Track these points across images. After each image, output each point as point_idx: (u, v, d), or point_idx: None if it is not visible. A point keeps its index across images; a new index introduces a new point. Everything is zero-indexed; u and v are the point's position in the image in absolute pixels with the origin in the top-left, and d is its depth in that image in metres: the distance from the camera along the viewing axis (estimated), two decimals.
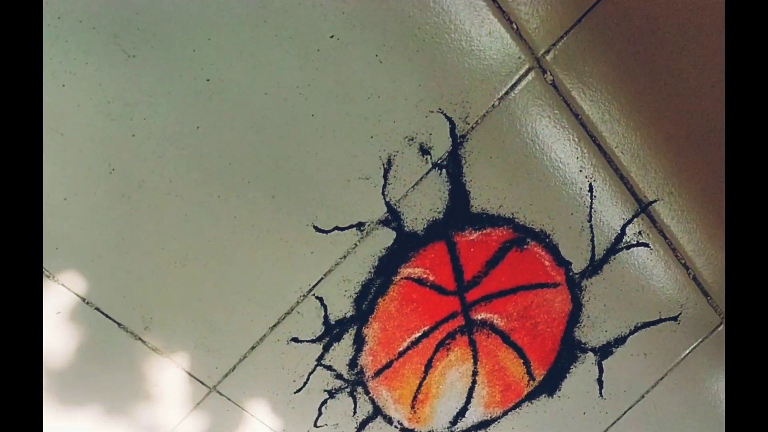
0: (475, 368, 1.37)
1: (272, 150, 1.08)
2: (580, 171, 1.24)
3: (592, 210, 1.28)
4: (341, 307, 1.24)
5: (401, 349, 1.31)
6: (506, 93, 1.15)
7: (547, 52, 1.14)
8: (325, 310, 1.23)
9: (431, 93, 1.11)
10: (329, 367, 1.28)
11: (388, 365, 1.32)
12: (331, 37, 1.04)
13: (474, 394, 1.40)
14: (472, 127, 1.15)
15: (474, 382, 1.39)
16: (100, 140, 1.02)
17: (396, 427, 1.39)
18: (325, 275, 1.20)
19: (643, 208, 1.31)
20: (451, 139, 1.15)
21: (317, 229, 1.16)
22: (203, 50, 1.00)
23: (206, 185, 1.08)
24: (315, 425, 1.33)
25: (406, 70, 1.08)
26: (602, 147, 1.23)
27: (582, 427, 1.50)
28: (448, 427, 1.42)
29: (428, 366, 1.34)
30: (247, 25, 1.00)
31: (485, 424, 1.44)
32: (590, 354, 1.43)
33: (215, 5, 0.98)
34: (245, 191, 1.10)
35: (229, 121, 1.05)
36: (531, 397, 1.44)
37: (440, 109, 1.13)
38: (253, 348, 1.22)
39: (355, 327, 1.26)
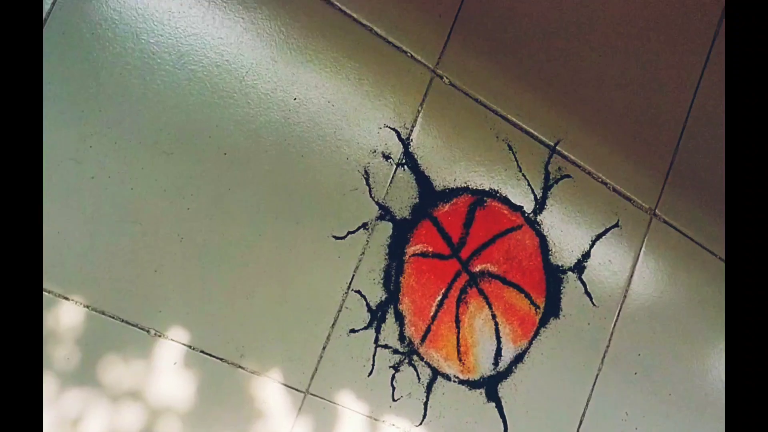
0: (492, 312, 1.75)
1: (286, 188, 1.51)
2: (497, 137, 1.72)
3: (519, 163, 1.74)
4: (376, 293, 1.62)
5: (432, 313, 1.68)
6: (423, 100, 1.63)
7: (438, 63, 1.65)
8: (365, 300, 1.61)
9: (376, 115, 1.58)
10: (385, 346, 1.64)
11: (428, 330, 1.68)
12: (294, 99, 1.52)
13: (501, 334, 1.76)
14: (411, 130, 1.62)
15: (496, 324, 1.76)
16: (168, 218, 1.44)
17: (454, 381, 1.72)
18: (355, 271, 1.59)
19: (552, 149, 1.77)
20: (400, 142, 1.62)
21: (336, 238, 1.57)
22: (216, 134, 1.47)
23: (252, 229, 1.49)
24: (393, 399, 1.66)
25: (353, 105, 1.56)
26: (504, 116, 1.71)
27: (592, 336, 1.86)
28: (493, 368, 1.76)
29: (457, 321, 1.71)
30: (240, 106, 1.47)
31: (519, 357, 1.79)
32: (570, 273, 1.82)
33: (210, 109, 1.46)
34: (277, 225, 1.51)
35: (251, 178, 1.49)
36: (543, 323, 1.80)
37: (386, 124, 1.60)
38: (324, 348, 1.58)
39: (392, 306, 1.64)
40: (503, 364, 1.70)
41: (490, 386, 1.69)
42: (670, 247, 1.87)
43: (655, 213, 1.85)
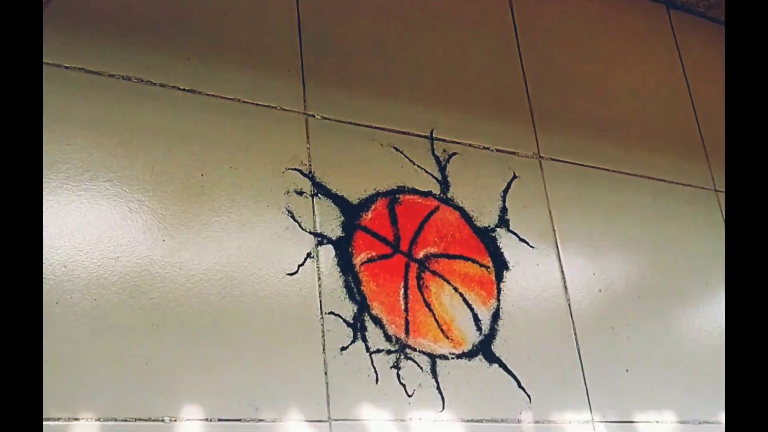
0: (452, 286, 1.89)
1: (230, 249, 1.66)
2: (381, 145, 1.94)
3: (409, 158, 1.96)
4: (347, 308, 1.73)
5: (402, 306, 1.81)
6: (307, 138, 1.85)
7: (305, 106, 1.89)
8: (341, 317, 1.72)
9: (275, 165, 1.78)
10: (378, 350, 1.73)
11: (407, 322, 1.80)
12: (202, 175, 1.70)
13: (469, 301, 1.90)
14: (310, 164, 1.82)
15: (460, 294, 1.90)
16: (139, 312, 1.53)
17: (452, 358, 1.82)
18: (320, 297, 1.72)
19: (431, 138, 2.02)
20: (306, 178, 1.81)
21: (290, 274, 1.71)
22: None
23: (216, 287, 1.61)
24: (408, 395, 1.73)
25: (254, 163, 1.75)
26: (378, 127, 1.95)
27: (546, 271, 2.03)
28: (479, 334, 1.88)
29: (427, 305, 1.84)
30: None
31: (496, 315, 1.91)
32: (499, 230, 2.02)
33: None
34: (232, 283, 1.64)
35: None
36: (499, 278, 1.96)
37: (286, 168, 1.80)
38: (325, 373, 1.66)
39: (366, 314, 1.75)
40: (486, 327, 1.83)
41: (485, 350, 1.81)
42: (565, 179, 2.11)
43: (541, 156, 2.10)
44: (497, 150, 2.04)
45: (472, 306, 1.83)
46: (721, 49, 2.33)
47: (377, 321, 1.70)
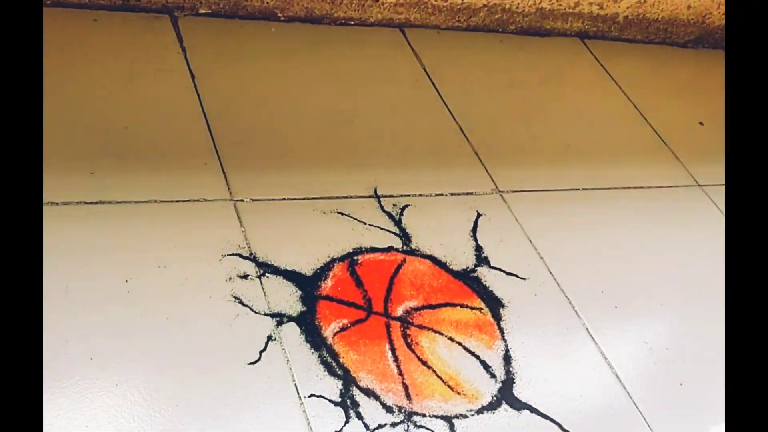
0: (446, 337, 1.63)
1: (176, 353, 1.40)
2: (323, 213, 1.76)
3: (358, 219, 1.78)
4: (330, 386, 1.45)
5: (395, 371, 1.53)
6: (240, 223, 1.67)
7: (230, 193, 1.72)
8: (325, 398, 1.44)
9: (208, 255, 1.58)
10: (380, 426, 1.42)
11: (406, 387, 1.51)
12: (126, 281, 1.48)
13: (471, 348, 1.62)
14: (249, 246, 1.62)
15: (459, 343, 1.63)
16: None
17: (471, 415, 1.52)
18: (294, 381, 1.44)
19: (376, 196, 1.85)
20: (247, 260, 1.60)
21: (252, 363, 1.44)
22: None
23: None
24: None
25: (184, 260, 1.55)
26: (314, 197, 1.79)
27: (548, 298, 1.78)
28: (494, 381, 1.58)
29: (423, 362, 1.56)
30: None
31: (507, 357, 1.64)
32: (480, 269, 1.79)
33: None
34: (190, 387, 1.37)
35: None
36: (497, 318, 1.70)
37: (222, 255, 1.60)
38: None
39: (354, 387, 1.47)
40: (500, 372, 1.56)
41: (507, 397, 1.52)
42: (535, 207, 1.94)
43: (500, 190, 1.94)
44: (452, 194, 1.87)
45: (476, 353, 1.56)
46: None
47: (370, 393, 1.42)
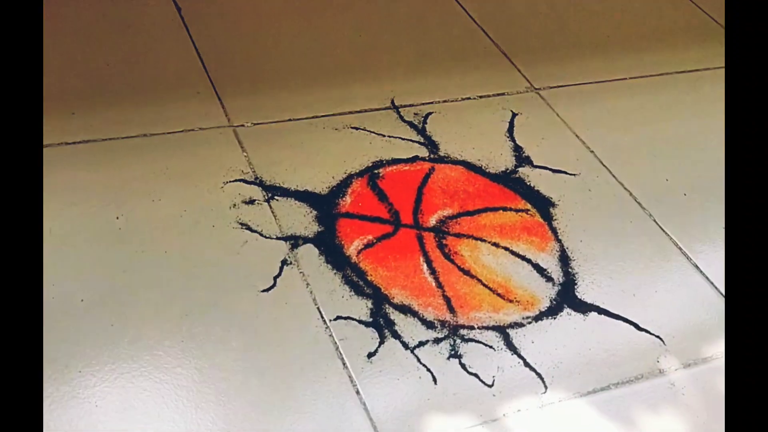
0: (490, 243, 1.41)
1: (183, 282, 1.23)
2: (336, 129, 1.57)
3: (377, 132, 1.58)
4: (359, 307, 1.25)
5: (434, 283, 1.32)
6: (243, 149, 1.49)
7: (229, 119, 1.54)
8: (355, 319, 1.24)
9: (210, 182, 1.40)
10: (421, 343, 1.21)
11: (447, 299, 1.30)
12: (117, 218, 1.32)
13: (521, 253, 1.40)
14: (254, 171, 1.44)
15: (505, 248, 1.41)
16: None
17: (528, 322, 1.30)
18: (316, 305, 1.24)
19: (394, 107, 1.65)
20: (253, 185, 1.42)
21: (265, 290, 1.25)
22: None
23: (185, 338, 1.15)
24: (489, 385, 1.20)
25: (185, 188, 1.38)
26: (324, 115, 1.60)
27: (603, 191, 1.55)
28: (552, 285, 1.36)
29: (465, 272, 1.35)
30: None
31: (564, 258, 1.42)
32: (522, 169, 1.57)
33: None
34: (202, 323, 1.19)
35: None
36: (547, 217, 1.47)
37: (224, 181, 1.42)
38: (358, 392, 1.15)
39: (386, 305, 1.27)
40: (557, 274, 1.34)
41: (569, 300, 1.30)
42: (575, 101, 1.71)
43: (536, 88, 1.72)
44: (480, 97, 1.66)
45: (527, 257, 1.35)
46: None
47: (406, 309, 1.22)
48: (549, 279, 1.33)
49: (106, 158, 1.38)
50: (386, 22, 1.83)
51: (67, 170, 1.33)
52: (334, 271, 1.27)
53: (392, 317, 1.22)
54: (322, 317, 1.20)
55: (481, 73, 1.73)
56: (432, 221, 1.38)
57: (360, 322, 1.20)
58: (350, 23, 1.80)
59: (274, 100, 1.56)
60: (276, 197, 1.36)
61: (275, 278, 1.24)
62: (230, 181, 1.38)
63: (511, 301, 1.28)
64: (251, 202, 1.35)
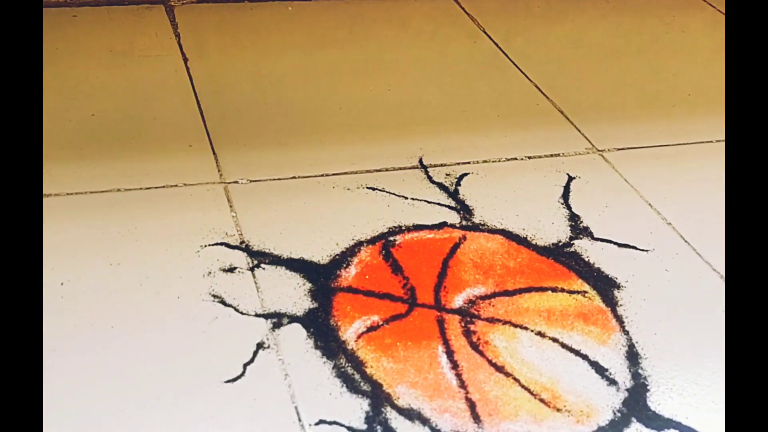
0: (535, 331, 1.11)
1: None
2: (348, 190, 1.33)
3: (397, 194, 1.33)
4: (353, 407, 0.96)
5: (453, 382, 1.02)
6: (231, 207, 1.26)
7: (221, 175, 1.32)
8: (344, 426, 0.95)
9: (184, 244, 1.17)
10: None
11: (472, 405, 1.00)
12: (62, 284, 1.09)
13: (574, 346, 1.10)
14: (240, 233, 1.20)
15: (555, 340, 1.11)
16: None
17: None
18: (294, 402, 0.96)
19: (422, 166, 1.40)
20: (233, 249, 1.18)
21: (231, 381, 0.99)
22: None
23: None
24: None
25: (155, 254, 1.15)
26: (336, 173, 1.36)
27: (681, 270, 1.24)
28: (616, 390, 1.04)
29: (498, 368, 1.05)
30: None
31: (632, 354, 1.10)
32: (579, 241, 1.28)
33: None
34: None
35: None
36: (610, 303, 1.17)
37: (202, 245, 1.18)
38: None
39: (388, 407, 0.97)
40: (623, 377, 1.03)
41: (639, 411, 1.00)
42: (644, 165, 1.44)
43: (599, 149, 1.46)
44: (529, 158, 1.39)
45: (583, 351, 1.04)
46: None
47: (413, 415, 0.93)
48: (612, 382, 1.01)
49: (66, 215, 1.16)
50: (418, 73, 1.61)
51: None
52: (324, 359, 0.99)
53: (394, 425, 0.92)
54: (300, 421, 0.91)
55: (530, 132, 1.47)
56: (458, 301, 1.10)
57: (350, 429, 0.91)
58: (381, 74, 1.59)
59: (278, 155, 1.34)
60: (263, 265, 1.11)
61: (245, 365, 0.97)
62: (209, 245, 1.13)
63: (559, 410, 0.97)
64: (231, 269, 1.10)
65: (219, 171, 1.30)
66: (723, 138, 1.54)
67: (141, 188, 1.24)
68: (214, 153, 1.33)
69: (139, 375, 0.94)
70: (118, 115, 1.39)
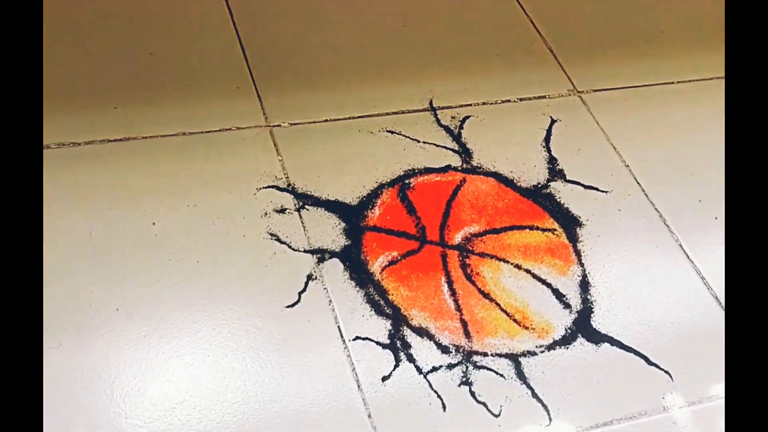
0: (512, 264, 1.47)
1: (210, 292, 1.33)
2: (371, 133, 1.62)
3: (411, 137, 1.62)
4: (377, 327, 1.33)
5: (453, 306, 1.40)
6: (277, 150, 1.55)
7: (266, 118, 1.60)
8: (372, 340, 1.33)
9: (242, 188, 1.48)
10: (434, 369, 1.30)
11: (465, 324, 1.38)
12: (154, 224, 1.41)
13: (543, 277, 1.46)
14: (287, 176, 1.51)
15: (527, 270, 1.47)
16: None
17: (541, 351, 1.37)
18: (336, 323, 1.33)
19: (432, 109, 1.68)
20: (285, 192, 1.49)
21: (290, 306, 1.35)
22: None
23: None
24: (496, 415, 1.28)
25: (216, 193, 1.46)
26: (359, 116, 1.64)
27: (635, 214, 1.58)
28: (569, 312, 1.42)
29: (485, 295, 1.42)
30: None
31: (584, 283, 1.47)
32: (553, 183, 1.60)
33: None
34: (223, 332, 1.29)
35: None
36: (573, 239, 1.52)
37: (257, 188, 1.49)
38: (369, 416, 1.25)
39: (404, 327, 1.35)
40: (575, 301, 1.40)
41: (583, 329, 1.37)
42: (616, 107, 1.71)
43: (578, 91, 1.72)
44: (521, 99, 1.67)
45: (548, 280, 1.40)
46: None
47: (423, 332, 1.30)
48: (567, 306, 1.39)
49: (145, 158, 1.46)
50: (434, 11, 1.83)
51: (109, 170, 1.42)
52: (357, 288, 1.35)
53: (409, 340, 1.30)
54: (342, 337, 1.29)
55: (524, 72, 1.74)
56: (458, 238, 1.44)
57: (378, 343, 1.29)
58: (396, 11, 1.81)
59: (313, 97, 1.61)
60: (307, 206, 1.44)
61: (300, 294, 1.33)
62: (263, 188, 1.45)
63: (526, 328, 1.35)
64: (282, 211, 1.42)
65: (264, 114, 1.58)
66: (691, 78, 1.82)
67: (202, 132, 1.53)
68: (258, 96, 1.60)
69: (222, 304, 1.29)
70: (170, 54, 1.63)
